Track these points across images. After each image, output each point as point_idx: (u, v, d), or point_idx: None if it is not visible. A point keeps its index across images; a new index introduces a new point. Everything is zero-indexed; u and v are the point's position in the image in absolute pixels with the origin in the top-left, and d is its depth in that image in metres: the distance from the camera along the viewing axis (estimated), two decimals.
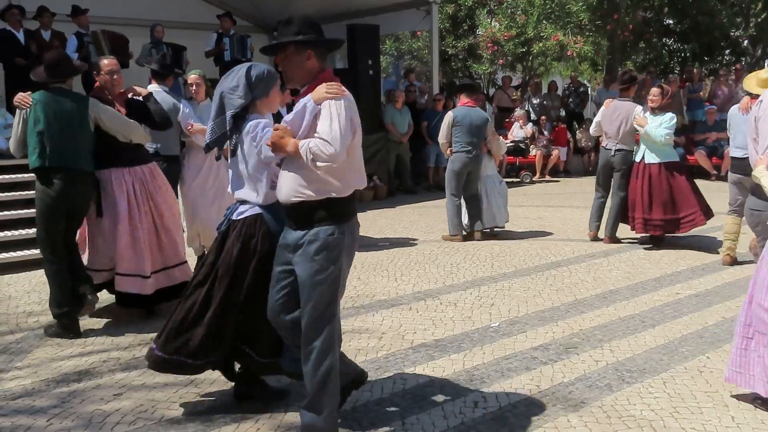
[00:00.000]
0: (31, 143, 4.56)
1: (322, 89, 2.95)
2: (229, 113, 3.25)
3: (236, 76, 3.27)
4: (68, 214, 4.66)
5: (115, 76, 4.91)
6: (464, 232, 7.73)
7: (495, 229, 7.89)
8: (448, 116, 7.67)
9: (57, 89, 4.66)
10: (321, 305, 3.01)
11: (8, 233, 6.90)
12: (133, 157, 4.93)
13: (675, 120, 6.95)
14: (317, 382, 3.02)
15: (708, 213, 6.91)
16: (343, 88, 2.99)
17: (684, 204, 6.87)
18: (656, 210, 6.92)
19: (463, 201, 7.73)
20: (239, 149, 3.30)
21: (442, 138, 7.70)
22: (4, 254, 6.68)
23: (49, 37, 9.37)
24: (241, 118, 3.26)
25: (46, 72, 4.65)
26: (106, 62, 4.94)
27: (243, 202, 3.36)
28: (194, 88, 6.06)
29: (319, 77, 3.04)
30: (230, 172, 3.40)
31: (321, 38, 3.09)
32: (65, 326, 4.67)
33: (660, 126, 6.84)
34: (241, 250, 3.29)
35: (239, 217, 3.34)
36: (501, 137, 7.65)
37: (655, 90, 7.09)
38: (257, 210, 3.32)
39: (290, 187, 3.01)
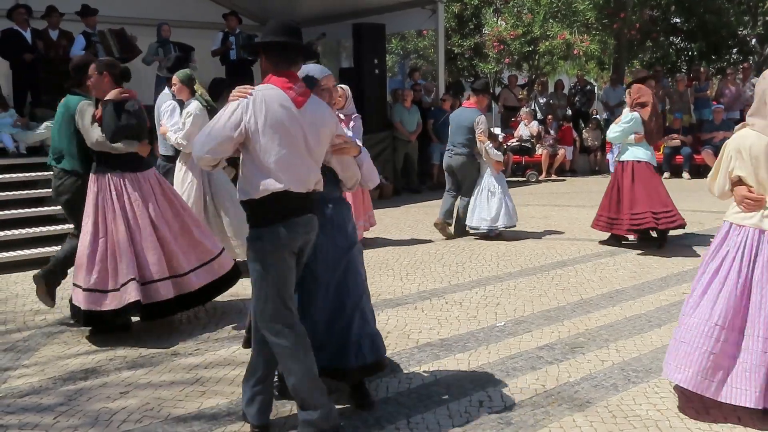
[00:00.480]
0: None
1: (234, 91, 3.09)
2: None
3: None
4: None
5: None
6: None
7: (508, 229, 7.84)
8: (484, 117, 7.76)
9: (73, 92, 4.88)
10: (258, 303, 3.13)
11: (16, 232, 6.94)
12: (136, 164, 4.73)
13: (633, 120, 6.82)
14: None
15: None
16: (252, 91, 3.03)
17: (666, 199, 6.79)
18: (637, 205, 6.79)
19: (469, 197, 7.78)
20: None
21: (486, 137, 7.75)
22: (12, 252, 6.71)
23: (56, 37, 9.42)
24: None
25: (73, 75, 4.87)
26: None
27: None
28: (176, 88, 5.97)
29: (265, 80, 3.14)
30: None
31: (271, 41, 3.12)
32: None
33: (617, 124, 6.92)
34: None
35: None
36: (490, 142, 7.57)
37: (629, 90, 7.11)
38: None
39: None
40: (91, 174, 4.67)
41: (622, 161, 6.94)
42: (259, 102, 3.00)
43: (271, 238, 3.04)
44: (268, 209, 3.05)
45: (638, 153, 6.89)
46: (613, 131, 6.97)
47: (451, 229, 7.84)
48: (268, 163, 3.01)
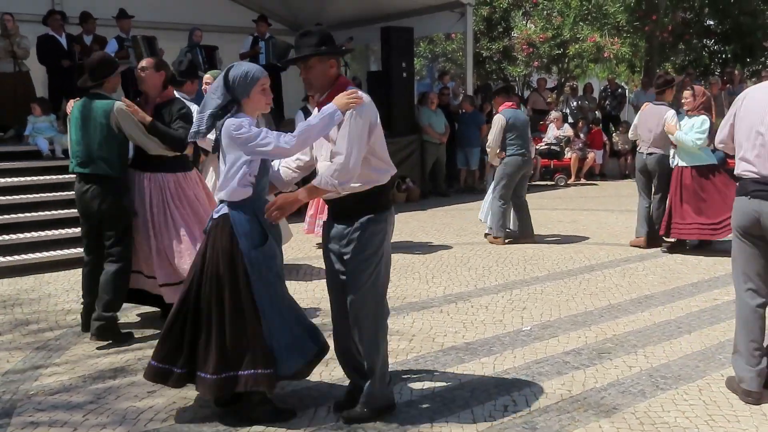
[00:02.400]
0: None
1: (343, 98, 3.14)
2: (207, 113, 3.29)
3: (219, 79, 3.32)
4: (86, 216, 4.69)
5: (139, 73, 4.81)
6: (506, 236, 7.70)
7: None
8: (500, 120, 7.49)
9: (93, 93, 4.70)
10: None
11: (49, 232, 7.08)
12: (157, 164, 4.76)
13: (707, 123, 6.71)
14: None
15: None
16: (360, 94, 3.19)
17: (718, 209, 6.69)
18: (688, 215, 6.77)
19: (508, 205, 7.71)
20: (220, 148, 3.31)
21: (494, 143, 7.49)
22: (46, 253, 6.85)
23: (90, 42, 9.60)
24: (219, 118, 3.26)
25: (88, 77, 4.70)
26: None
27: (221, 201, 3.37)
28: (206, 87, 6.06)
29: (338, 84, 3.28)
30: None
31: (342, 49, 3.39)
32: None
33: (692, 130, 6.70)
34: (206, 253, 3.35)
35: (215, 216, 3.40)
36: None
37: (686, 93, 6.90)
38: (226, 209, 3.33)
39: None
40: (142, 173, 4.76)
41: (690, 166, 6.79)
42: (369, 103, 3.23)
43: (391, 220, 3.40)
44: (382, 195, 3.34)
45: (700, 155, 6.80)
46: (692, 139, 6.66)
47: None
48: (380, 152, 3.31)
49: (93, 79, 4.66)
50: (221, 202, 3.36)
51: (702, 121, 6.70)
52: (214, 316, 3.30)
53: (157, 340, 3.47)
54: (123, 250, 4.63)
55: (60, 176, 7.78)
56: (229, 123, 3.22)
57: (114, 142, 4.60)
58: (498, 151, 7.50)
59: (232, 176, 3.25)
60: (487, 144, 7.66)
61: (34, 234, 7.05)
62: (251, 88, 3.28)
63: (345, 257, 3.31)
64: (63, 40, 9.42)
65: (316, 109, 3.40)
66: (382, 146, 3.32)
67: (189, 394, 3.79)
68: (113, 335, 4.62)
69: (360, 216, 3.26)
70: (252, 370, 3.25)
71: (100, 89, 4.68)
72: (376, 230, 3.30)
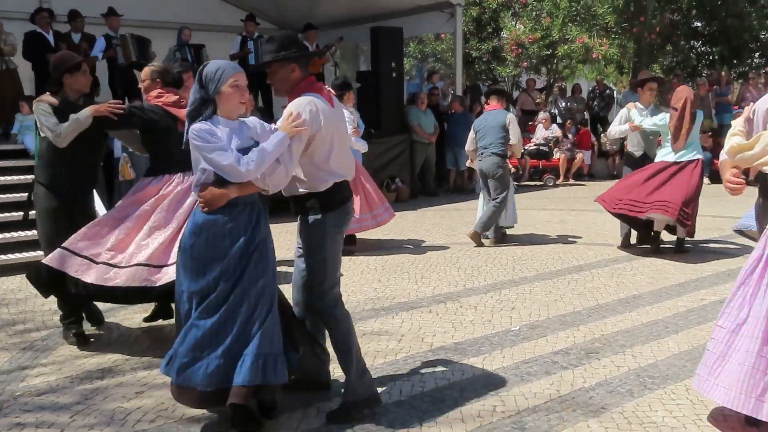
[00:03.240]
0: None
1: (288, 127, 3.25)
2: (186, 111, 3.28)
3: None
4: None
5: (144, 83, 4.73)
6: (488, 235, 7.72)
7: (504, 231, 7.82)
8: (472, 126, 7.74)
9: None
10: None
11: (36, 232, 7.01)
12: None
13: (665, 120, 6.81)
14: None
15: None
16: (306, 110, 3.29)
17: (656, 191, 6.64)
18: (624, 192, 6.80)
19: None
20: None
21: (467, 146, 7.77)
22: (33, 252, 6.79)
23: (78, 40, 9.54)
24: (194, 118, 3.21)
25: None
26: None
27: None
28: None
29: (301, 86, 3.39)
30: None
31: (302, 52, 3.44)
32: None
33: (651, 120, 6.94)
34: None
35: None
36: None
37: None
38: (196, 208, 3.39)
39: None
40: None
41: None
42: (313, 118, 3.31)
43: (336, 222, 3.46)
44: (323, 198, 3.41)
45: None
46: (649, 124, 6.93)
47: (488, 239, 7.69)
48: (322, 160, 3.41)
49: (50, 84, 4.56)
50: None
51: (661, 117, 6.85)
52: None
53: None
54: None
55: None
56: (194, 127, 3.16)
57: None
58: (473, 154, 7.73)
59: (196, 180, 3.28)
60: (512, 142, 7.50)
61: (21, 233, 6.99)
62: (222, 84, 3.19)
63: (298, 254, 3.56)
64: (50, 38, 9.35)
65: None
66: (326, 154, 3.38)
67: None
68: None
69: (305, 214, 3.44)
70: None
71: (61, 91, 4.52)
72: (314, 231, 3.40)
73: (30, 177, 7.55)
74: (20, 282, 6.27)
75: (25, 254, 6.77)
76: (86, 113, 4.38)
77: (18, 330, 4.94)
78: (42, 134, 4.44)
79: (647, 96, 7.17)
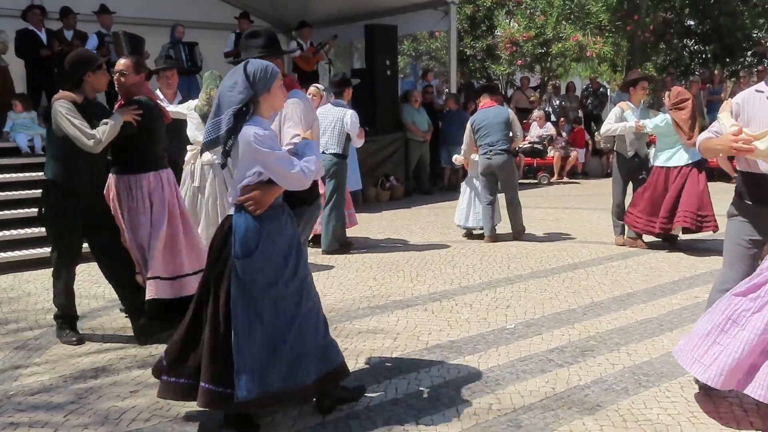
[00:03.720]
0: None
1: (308, 136, 3.42)
2: (229, 111, 3.10)
3: (234, 75, 3.17)
4: None
5: (118, 77, 4.67)
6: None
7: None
8: (468, 124, 7.71)
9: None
10: None
11: (29, 230, 6.99)
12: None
13: (666, 121, 6.83)
14: None
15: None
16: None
17: (671, 206, 6.80)
18: (646, 210, 6.93)
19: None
20: (234, 152, 3.16)
21: (464, 145, 7.73)
22: (25, 251, 6.77)
23: (71, 37, 9.49)
24: (242, 117, 3.10)
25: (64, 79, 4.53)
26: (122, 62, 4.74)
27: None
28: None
29: (285, 82, 3.38)
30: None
31: (285, 50, 3.47)
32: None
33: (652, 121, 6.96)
34: (211, 257, 3.27)
35: (220, 223, 3.34)
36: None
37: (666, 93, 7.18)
38: (232, 211, 3.24)
39: None
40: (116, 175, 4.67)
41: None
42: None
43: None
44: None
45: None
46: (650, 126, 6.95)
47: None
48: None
49: (67, 81, 4.47)
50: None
51: (662, 119, 6.87)
52: (202, 319, 3.24)
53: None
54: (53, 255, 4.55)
55: (40, 173, 7.69)
56: (252, 132, 3.05)
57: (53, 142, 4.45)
58: (469, 153, 7.73)
59: (241, 182, 3.18)
60: (518, 137, 7.78)
61: (13, 232, 6.96)
62: (272, 83, 3.17)
63: None
64: (42, 35, 9.29)
65: None
66: None
67: None
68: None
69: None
70: (207, 385, 3.15)
71: (77, 89, 4.47)
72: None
73: (22, 175, 7.56)
74: (13, 280, 6.24)
75: (17, 253, 6.74)
76: (119, 118, 4.41)
77: (11, 329, 4.91)
78: (60, 133, 4.34)
79: (639, 95, 7.19)
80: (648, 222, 6.94)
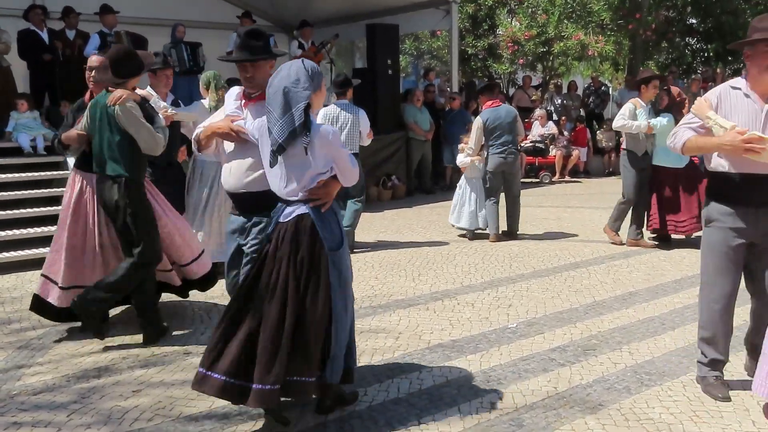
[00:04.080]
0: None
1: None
2: (299, 106, 3.14)
3: (294, 71, 3.18)
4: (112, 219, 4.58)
5: (91, 72, 4.67)
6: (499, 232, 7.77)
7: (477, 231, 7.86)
8: (477, 122, 7.66)
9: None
10: None
11: (31, 230, 7.00)
12: None
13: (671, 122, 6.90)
14: None
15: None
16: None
17: (684, 209, 7.02)
18: (675, 211, 7.10)
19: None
20: (305, 148, 3.17)
21: (473, 144, 7.65)
22: (28, 251, 6.77)
23: (73, 37, 9.50)
24: (308, 113, 3.19)
25: (112, 72, 4.41)
26: (89, 58, 4.74)
27: (288, 203, 3.28)
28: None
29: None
30: (277, 168, 3.26)
31: (283, 52, 3.64)
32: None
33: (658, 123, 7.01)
34: (267, 257, 3.26)
35: (283, 219, 3.28)
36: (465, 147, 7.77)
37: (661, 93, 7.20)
38: (304, 209, 3.24)
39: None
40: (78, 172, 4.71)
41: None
42: None
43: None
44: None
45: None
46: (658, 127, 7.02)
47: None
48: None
49: (116, 75, 4.39)
50: (288, 203, 3.26)
51: (668, 118, 6.97)
52: (280, 322, 3.16)
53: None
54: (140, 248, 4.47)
55: (42, 173, 7.71)
56: (331, 130, 3.25)
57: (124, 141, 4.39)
58: (477, 152, 7.67)
59: (315, 178, 3.22)
60: (467, 147, 7.73)
61: (16, 231, 6.97)
62: (321, 81, 3.29)
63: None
64: (44, 35, 9.30)
65: (243, 102, 3.51)
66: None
67: (174, 393, 3.77)
68: (90, 320, 4.48)
69: (268, 210, 3.42)
70: (307, 378, 3.21)
71: (121, 86, 4.42)
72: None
73: (24, 175, 7.57)
74: (16, 280, 6.25)
75: (20, 253, 6.75)
76: (163, 120, 4.65)
77: (14, 329, 4.92)
78: (130, 132, 4.34)
79: (651, 94, 7.18)
80: (676, 223, 7.08)
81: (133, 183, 4.41)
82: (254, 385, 3.13)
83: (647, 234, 7.37)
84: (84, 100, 4.79)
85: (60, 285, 4.69)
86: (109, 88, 4.44)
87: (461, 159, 7.83)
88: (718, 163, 3.53)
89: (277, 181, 3.27)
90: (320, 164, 3.22)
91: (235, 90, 3.64)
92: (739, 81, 3.56)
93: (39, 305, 4.76)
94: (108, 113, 4.34)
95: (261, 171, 3.39)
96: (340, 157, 3.25)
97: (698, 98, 3.61)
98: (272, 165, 3.24)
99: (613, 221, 7.43)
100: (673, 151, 3.68)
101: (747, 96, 3.47)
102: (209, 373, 3.18)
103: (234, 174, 3.50)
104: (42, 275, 4.78)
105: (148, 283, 4.63)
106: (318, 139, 3.18)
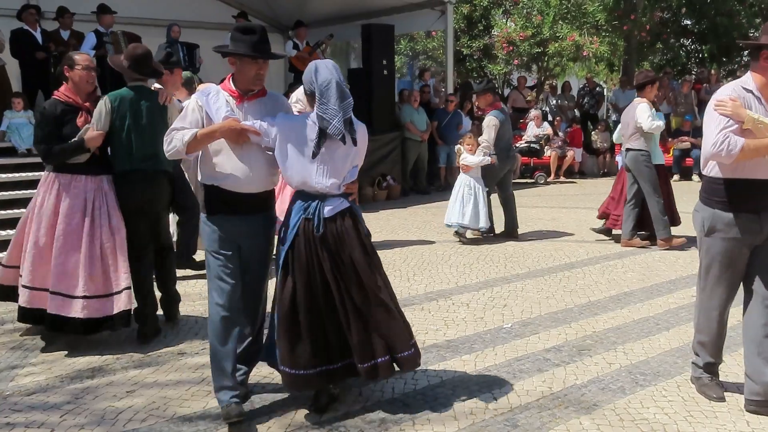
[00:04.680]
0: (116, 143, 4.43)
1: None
2: (349, 100, 3.33)
3: (335, 69, 3.34)
4: (147, 215, 4.57)
5: (92, 72, 4.55)
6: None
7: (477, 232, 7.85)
8: (493, 121, 7.56)
9: (138, 87, 4.51)
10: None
11: None
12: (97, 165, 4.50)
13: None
14: None
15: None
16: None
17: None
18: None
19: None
20: (354, 140, 3.37)
21: (491, 142, 7.54)
22: None
23: (68, 37, 9.47)
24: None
25: (132, 67, 4.45)
26: (82, 57, 4.57)
27: (325, 197, 3.36)
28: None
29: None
30: (315, 162, 3.30)
31: (272, 54, 3.50)
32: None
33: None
34: (322, 250, 3.35)
35: (334, 213, 3.36)
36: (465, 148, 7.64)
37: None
38: (346, 203, 3.41)
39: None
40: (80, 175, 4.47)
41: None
42: None
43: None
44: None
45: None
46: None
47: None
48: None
49: (138, 72, 4.50)
50: (328, 197, 3.35)
51: (662, 118, 7.26)
52: (358, 306, 3.37)
53: None
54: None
55: (36, 173, 7.66)
56: (364, 126, 3.47)
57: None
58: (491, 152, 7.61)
59: (354, 171, 3.46)
60: (483, 146, 7.52)
61: (9, 232, 6.92)
62: None
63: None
64: (38, 35, 9.27)
65: (235, 102, 3.39)
66: None
67: (168, 393, 3.76)
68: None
69: (268, 210, 3.58)
70: (399, 353, 3.46)
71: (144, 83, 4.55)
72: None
73: (18, 175, 7.53)
74: None
75: None
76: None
77: (7, 329, 4.90)
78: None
79: (653, 94, 7.26)
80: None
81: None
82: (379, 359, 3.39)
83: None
84: (70, 102, 4.47)
85: (23, 283, 4.49)
86: (129, 85, 4.52)
87: (475, 159, 7.49)
88: (725, 170, 3.39)
89: (313, 175, 3.31)
90: (360, 157, 3.46)
91: (211, 90, 3.45)
92: (747, 81, 3.42)
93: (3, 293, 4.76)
94: (157, 108, 4.50)
95: (276, 168, 3.45)
96: (364, 153, 3.50)
97: (726, 100, 3.33)
98: (314, 156, 3.29)
99: (629, 230, 7.26)
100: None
101: (758, 99, 3.38)
102: (304, 372, 3.33)
103: (258, 174, 3.40)
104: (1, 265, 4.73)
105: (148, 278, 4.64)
106: (360, 133, 3.41)
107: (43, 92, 9.30)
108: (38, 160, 7.85)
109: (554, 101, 14.65)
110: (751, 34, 16.26)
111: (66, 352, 4.41)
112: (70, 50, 9.33)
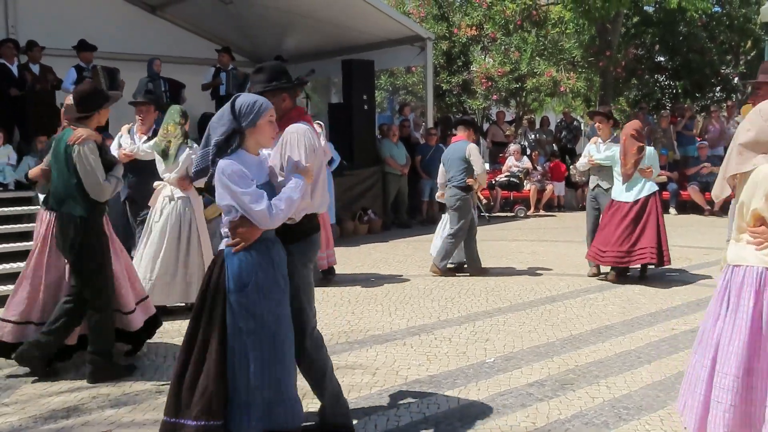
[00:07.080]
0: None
1: (306, 173, 3.29)
2: (212, 141, 3.14)
3: (223, 107, 3.20)
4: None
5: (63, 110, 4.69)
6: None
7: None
8: (476, 148, 7.64)
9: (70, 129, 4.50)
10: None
11: (6, 266, 6.86)
12: None
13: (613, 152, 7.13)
14: None
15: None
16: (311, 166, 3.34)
17: (635, 237, 6.95)
18: (608, 242, 7.04)
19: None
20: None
21: (439, 179, 7.81)
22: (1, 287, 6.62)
23: (38, 71, 9.45)
24: (223, 149, 3.11)
25: (79, 105, 4.45)
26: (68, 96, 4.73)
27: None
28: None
29: (290, 115, 3.44)
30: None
31: (288, 83, 3.44)
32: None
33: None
34: (209, 289, 3.19)
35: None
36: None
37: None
38: (224, 245, 3.21)
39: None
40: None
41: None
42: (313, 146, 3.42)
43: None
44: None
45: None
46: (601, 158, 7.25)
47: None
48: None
49: (81, 110, 4.44)
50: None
51: (613, 150, 7.13)
52: (191, 354, 3.15)
53: None
54: (93, 294, 4.43)
55: (12, 208, 7.57)
56: (224, 166, 3.06)
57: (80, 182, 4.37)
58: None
59: (225, 215, 3.17)
60: (476, 173, 7.46)
61: None
62: (259, 118, 3.14)
63: None
64: (14, 69, 9.25)
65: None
66: (312, 186, 3.48)
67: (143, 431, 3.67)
68: (108, 374, 4.48)
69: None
70: (202, 422, 3.05)
71: (84, 122, 4.46)
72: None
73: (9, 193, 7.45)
74: None
75: None
76: (121, 167, 4.79)
77: None
78: (80, 174, 4.38)
79: (601, 130, 7.37)
80: (602, 254, 7.08)
81: (90, 223, 4.37)
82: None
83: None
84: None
85: (13, 320, 4.61)
86: (72, 126, 4.43)
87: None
88: None
89: None
90: (222, 201, 3.12)
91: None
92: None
93: None
94: (67, 152, 4.34)
95: None
96: (233, 195, 3.05)
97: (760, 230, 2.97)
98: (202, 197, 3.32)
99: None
100: None
101: None
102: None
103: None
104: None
105: (106, 329, 4.49)
106: (217, 174, 3.10)
107: (20, 127, 9.23)
108: (14, 195, 7.81)
109: (533, 135, 14.83)
110: (723, 70, 16.70)
111: (40, 392, 4.31)
112: (49, 86, 9.35)
